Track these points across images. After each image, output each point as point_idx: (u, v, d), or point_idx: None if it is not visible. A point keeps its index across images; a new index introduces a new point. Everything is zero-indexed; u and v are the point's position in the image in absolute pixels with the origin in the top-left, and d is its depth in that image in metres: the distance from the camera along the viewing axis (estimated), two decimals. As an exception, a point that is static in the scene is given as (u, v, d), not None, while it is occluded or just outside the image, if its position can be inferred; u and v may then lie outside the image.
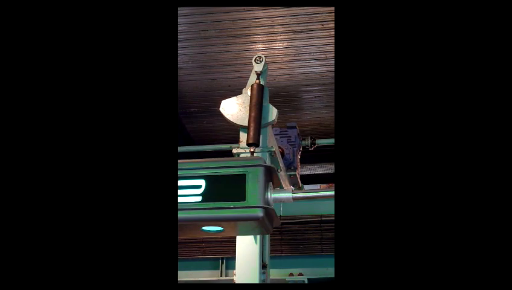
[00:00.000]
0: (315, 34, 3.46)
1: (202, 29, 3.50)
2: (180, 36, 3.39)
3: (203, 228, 1.59)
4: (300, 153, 2.19)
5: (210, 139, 3.14)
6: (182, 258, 2.34)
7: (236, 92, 1.97)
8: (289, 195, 1.62)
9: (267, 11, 3.23)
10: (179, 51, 3.40)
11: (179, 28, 3.35)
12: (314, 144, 2.25)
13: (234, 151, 1.88)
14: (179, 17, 3.18)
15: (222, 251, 2.32)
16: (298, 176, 2.26)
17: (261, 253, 1.84)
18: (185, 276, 2.42)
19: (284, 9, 3.26)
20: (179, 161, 1.58)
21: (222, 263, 2.44)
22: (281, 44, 3.59)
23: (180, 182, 1.56)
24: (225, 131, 1.99)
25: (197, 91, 3.52)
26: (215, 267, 2.45)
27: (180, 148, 3.45)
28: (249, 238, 1.83)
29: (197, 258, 2.48)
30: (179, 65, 3.44)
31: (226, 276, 2.37)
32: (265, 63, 1.89)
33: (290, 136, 2.09)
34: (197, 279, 2.45)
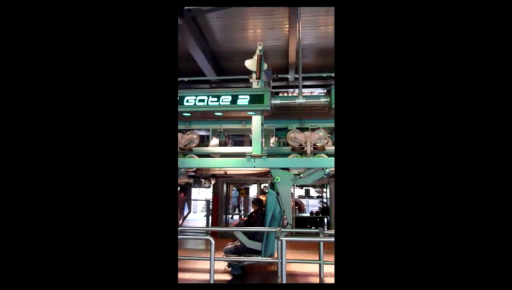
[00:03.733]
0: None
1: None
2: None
3: (248, 113, 4.46)
4: (272, 80, 5.04)
5: (236, 73, 5.97)
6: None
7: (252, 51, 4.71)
8: (279, 101, 4.49)
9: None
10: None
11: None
12: (277, 76, 5.10)
13: (250, 80, 4.67)
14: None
15: (245, 118, 4.97)
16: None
17: (262, 119, 4.69)
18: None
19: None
20: (236, 88, 4.30)
21: (243, 121, 5.14)
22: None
23: (240, 96, 4.37)
24: (244, 71, 4.75)
25: (230, 50, 6.38)
26: (239, 123, 5.11)
27: (222, 77, 6.31)
28: (257, 117, 4.72)
29: (230, 116, 4.99)
30: (219, 33, 6.13)
31: (245, 126, 5.15)
32: (263, 47, 4.63)
33: (268, 73, 4.90)
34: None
